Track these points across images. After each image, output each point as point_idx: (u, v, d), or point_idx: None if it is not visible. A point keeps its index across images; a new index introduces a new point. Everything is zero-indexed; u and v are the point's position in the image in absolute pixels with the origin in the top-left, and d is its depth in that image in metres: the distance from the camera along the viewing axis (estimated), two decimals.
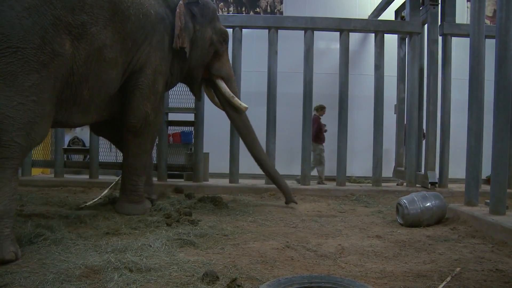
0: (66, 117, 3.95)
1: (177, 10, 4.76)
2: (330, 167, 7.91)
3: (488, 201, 4.53)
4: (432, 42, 7.23)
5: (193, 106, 7.24)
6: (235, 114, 5.59)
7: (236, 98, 5.47)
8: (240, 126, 5.68)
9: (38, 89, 3.29)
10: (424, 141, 7.48)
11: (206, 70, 5.48)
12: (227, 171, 7.22)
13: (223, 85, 5.46)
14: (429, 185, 7.00)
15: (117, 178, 6.80)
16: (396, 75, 8.42)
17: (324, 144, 7.80)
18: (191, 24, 4.95)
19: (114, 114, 4.69)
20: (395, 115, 8.37)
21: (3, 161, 3.13)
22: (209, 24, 5.22)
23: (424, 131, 7.49)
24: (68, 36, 3.52)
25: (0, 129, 3.09)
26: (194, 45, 5.10)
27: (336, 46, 7.65)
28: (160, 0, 4.80)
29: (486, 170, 5.79)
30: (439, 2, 7.32)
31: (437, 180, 7.08)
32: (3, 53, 3.10)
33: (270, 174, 5.75)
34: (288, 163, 8.07)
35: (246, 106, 5.54)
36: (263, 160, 5.69)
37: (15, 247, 3.04)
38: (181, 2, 4.80)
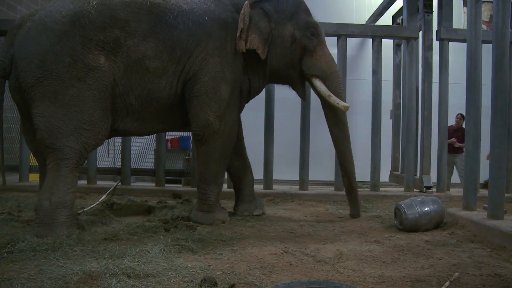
0: (123, 126, 4.31)
1: (242, 11, 4.48)
2: (328, 172, 7.90)
3: (486, 205, 4.54)
4: (427, 48, 7.28)
5: None
6: (331, 115, 4.99)
7: (333, 97, 4.76)
8: (334, 128, 5.05)
9: (78, 100, 3.81)
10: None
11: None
12: (225, 176, 7.19)
13: (317, 83, 4.88)
14: (424, 189, 7.01)
15: (115, 184, 6.79)
16: (392, 81, 8.47)
17: (454, 154, 8.07)
18: (263, 23, 4.58)
19: (184, 122, 4.72)
20: (391, 120, 8.40)
21: (58, 162, 3.76)
22: (288, 19, 4.77)
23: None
24: (101, 51, 3.91)
25: (52, 137, 3.74)
26: (273, 45, 4.72)
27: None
28: (229, 5, 4.63)
29: (484, 174, 5.79)
30: (435, 9, 7.35)
31: (432, 184, 7.08)
32: (43, 76, 3.74)
33: (351, 187, 5.21)
34: (286, 168, 8.05)
35: (347, 105, 4.75)
36: (350, 172, 5.16)
37: (68, 231, 3.71)
38: (246, 2, 4.51)
